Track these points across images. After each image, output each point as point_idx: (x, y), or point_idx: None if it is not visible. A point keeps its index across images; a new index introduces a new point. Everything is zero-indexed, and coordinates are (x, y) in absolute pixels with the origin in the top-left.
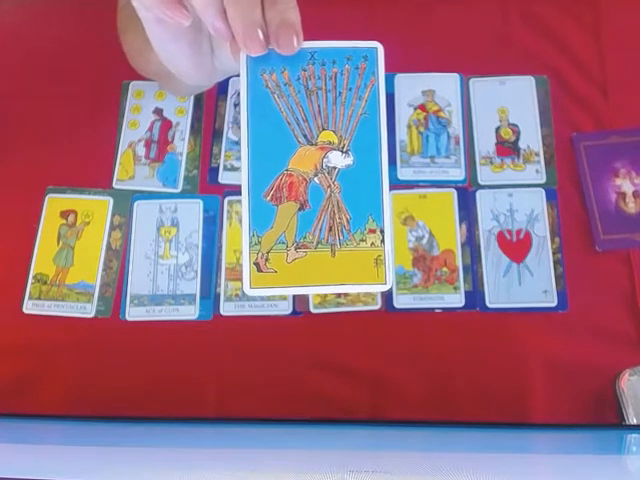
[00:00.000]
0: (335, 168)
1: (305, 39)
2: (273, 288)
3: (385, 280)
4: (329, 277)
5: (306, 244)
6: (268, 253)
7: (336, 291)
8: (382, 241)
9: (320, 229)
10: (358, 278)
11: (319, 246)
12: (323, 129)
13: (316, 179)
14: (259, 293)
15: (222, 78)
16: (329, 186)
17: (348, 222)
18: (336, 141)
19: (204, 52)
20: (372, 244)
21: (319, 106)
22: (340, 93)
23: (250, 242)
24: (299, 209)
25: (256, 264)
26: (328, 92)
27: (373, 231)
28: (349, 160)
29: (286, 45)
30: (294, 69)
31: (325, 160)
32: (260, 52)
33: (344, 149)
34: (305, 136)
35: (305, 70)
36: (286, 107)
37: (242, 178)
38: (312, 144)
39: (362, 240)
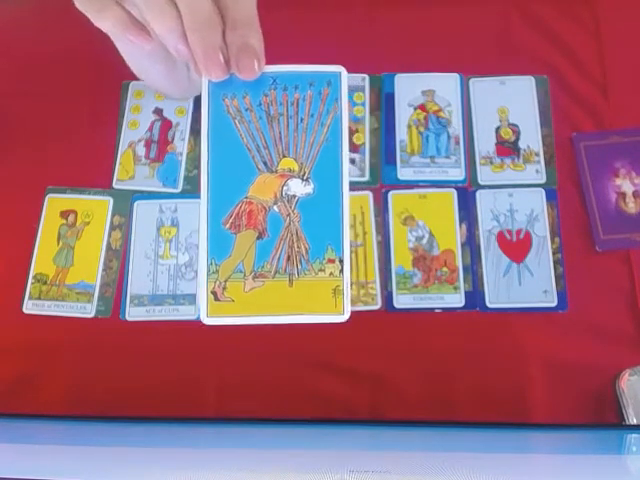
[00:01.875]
0: (295, 196)
1: (306, 40)
2: (230, 317)
3: (343, 310)
4: (287, 307)
5: (264, 273)
6: (226, 282)
7: (294, 321)
8: (341, 271)
9: (278, 258)
10: (316, 308)
11: (277, 275)
12: (284, 156)
13: (275, 207)
14: (216, 322)
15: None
16: (288, 215)
17: (307, 251)
18: (297, 169)
19: (179, 67)
20: (331, 274)
21: (280, 132)
22: (302, 119)
23: (208, 270)
24: (258, 237)
25: (213, 293)
26: (290, 118)
27: (332, 261)
28: (309, 188)
29: (247, 69)
30: (256, 94)
31: (285, 188)
32: (221, 76)
33: (305, 177)
34: (265, 163)
35: (267, 95)
36: (247, 133)
37: (201, 204)
38: (272, 171)
39: (321, 270)
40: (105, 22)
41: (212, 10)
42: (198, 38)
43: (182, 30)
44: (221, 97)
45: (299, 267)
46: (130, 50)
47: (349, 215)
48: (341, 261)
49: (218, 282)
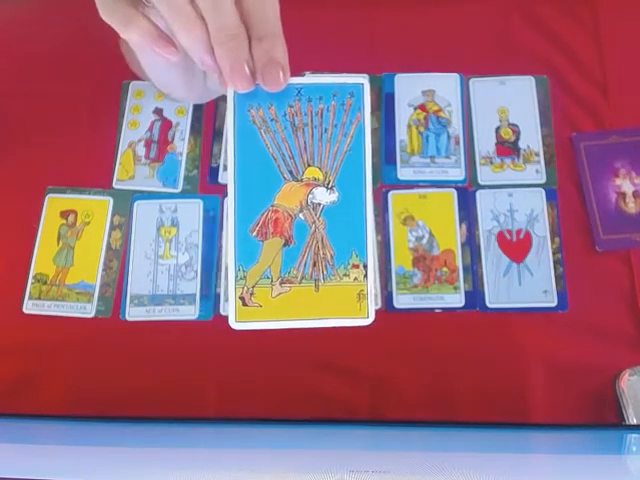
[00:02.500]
0: (320, 204)
1: (307, 40)
2: (258, 322)
3: (367, 314)
4: (313, 312)
5: (290, 279)
6: (253, 287)
7: (320, 325)
8: (365, 276)
9: (304, 264)
10: (341, 312)
11: (303, 281)
12: (309, 165)
13: (301, 215)
14: (244, 327)
15: (217, 96)
16: (314, 222)
17: (332, 257)
18: (321, 177)
19: (196, 74)
20: (355, 279)
21: (305, 142)
22: (326, 130)
23: (236, 276)
24: (284, 245)
25: (241, 298)
26: (314, 128)
27: (356, 266)
28: (334, 197)
29: (272, 82)
30: (281, 105)
31: (310, 196)
32: (247, 88)
33: (329, 185)
34: (291, 172)
35: (292, 106)
36: (272, 143)
37: (228, 213)
38: (298, 180)
39: (345, 275)
40: (132, 35)
41: (238, 23)
42: (225, 51)
43: (209, 42)
44: (246, 108)
45: (324, 272)
46: (152, 60)
47: (372, 222)
48: (365, 266)
49: (246, 288)
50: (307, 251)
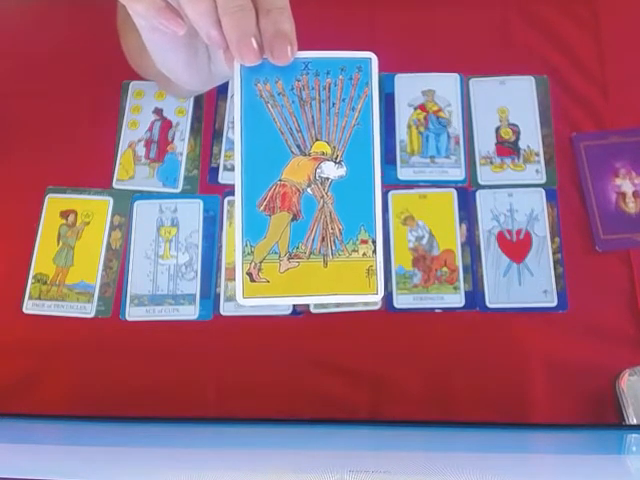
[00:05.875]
0: (328, 179)
1: (306, 39)
2: (265, 298)
3: (377, 290)
4: (321, 287)
5: (299, 254)
6: (261, 263)
7: (328, 301)
8: (374, 251)
9: (313, 239)
10: (350, 288)
11: (312, 256)
12: (317, 140)
13: (309, 190)
14: (251, 303)
15: (220, 82)
16: (322, 197)
17: (340, 233)
18: (329, 152)
19: (200, 58)
20: (364, 254)
21: (313, 116)
22: (334, 104)
23: (243, 252)
24: (292, 219)
25: (249, 274)
26: (322, 102)
27: (365, 242)
28: (342, 171)
29: (280, 55)
30: (288, 79)
31: (318, 171)
32: (254, 62)
33: (337, 160)
34: (299, 146)
35: (299, 80)
36: (280, 117)
37: (236, 188)
38: (305, 155)
39: (354, 250)
40: (138, 5)
41: None
42: (233, 22)
43: (216, 15)
44: (253, 82)
45: (333, 248)
46: (156, 39)
47: (381, 197)
48: (374, 242)
49: (253, 263)
50: (315, 226)
